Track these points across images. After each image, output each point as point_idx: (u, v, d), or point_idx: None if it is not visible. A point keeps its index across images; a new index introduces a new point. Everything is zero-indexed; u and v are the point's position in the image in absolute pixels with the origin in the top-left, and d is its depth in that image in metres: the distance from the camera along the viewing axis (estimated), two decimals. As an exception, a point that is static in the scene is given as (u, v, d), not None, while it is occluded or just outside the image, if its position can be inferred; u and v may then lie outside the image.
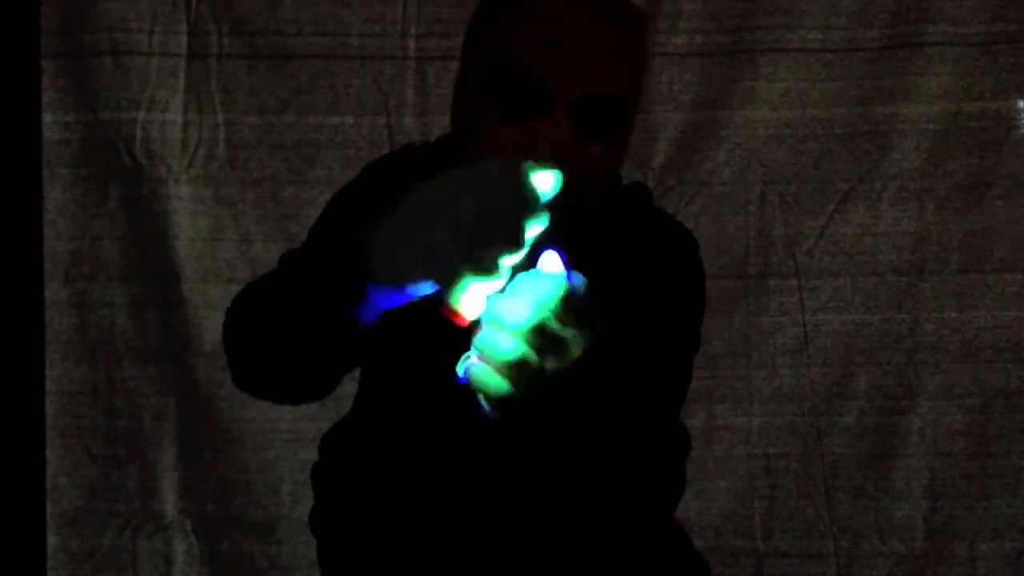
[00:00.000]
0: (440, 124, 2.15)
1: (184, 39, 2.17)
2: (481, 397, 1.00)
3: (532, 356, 0.97)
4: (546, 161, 1.14)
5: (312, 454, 1.45)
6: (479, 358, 0.99)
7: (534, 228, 0.98)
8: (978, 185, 2.20)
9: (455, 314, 1.00)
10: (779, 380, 2.22)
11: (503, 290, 0.99)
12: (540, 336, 0.97)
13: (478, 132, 1.24)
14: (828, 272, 2.22)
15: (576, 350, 0.98)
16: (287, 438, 2.19)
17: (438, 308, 1.00)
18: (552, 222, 1.02)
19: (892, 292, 2.21)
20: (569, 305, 0.97)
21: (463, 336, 1.03)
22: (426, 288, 1.01)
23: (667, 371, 1.27)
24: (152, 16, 2.16)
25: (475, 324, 1.00)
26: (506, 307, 0.97)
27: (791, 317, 2.22)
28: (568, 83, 1.20)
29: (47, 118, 2.17)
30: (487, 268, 0.97)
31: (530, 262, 1.00)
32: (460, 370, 1.00)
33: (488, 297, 0.99)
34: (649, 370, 1.21)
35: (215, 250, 2.19)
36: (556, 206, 1.10)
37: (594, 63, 1.21)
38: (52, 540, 2.21)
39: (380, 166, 1.39)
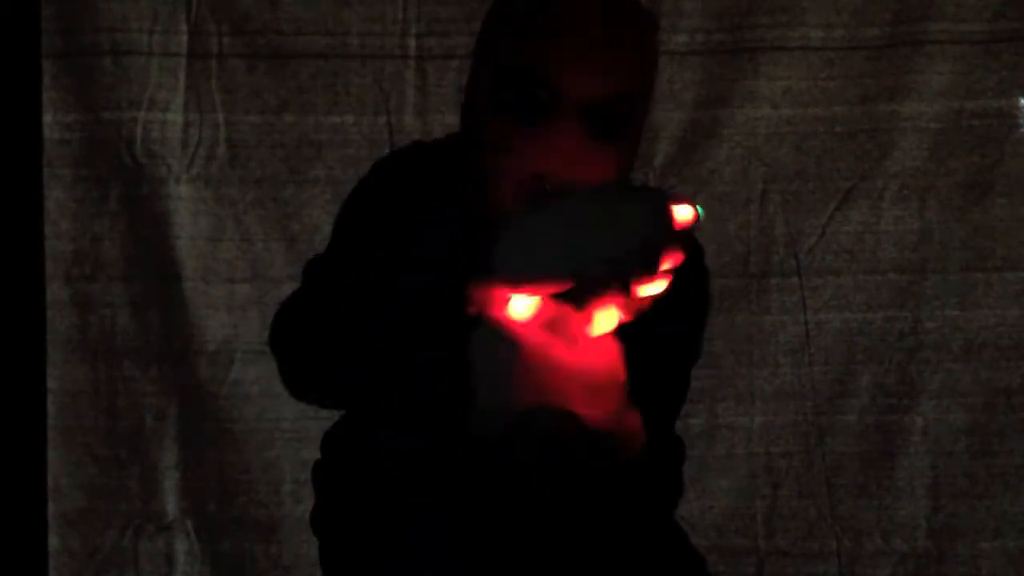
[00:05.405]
0: (441, 123, 2.15)
1: (184, 39, 2.17)
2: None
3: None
4: (560, 166, 1.16)
5: (314, 453, 1.45)
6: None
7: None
8: (980, 183, 2.20)
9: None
10: (781, 379, 2.22)
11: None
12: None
13: (488, 133, 1.24)
14: (830, 270, 2.21)
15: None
16: (288, 437, 2.19)
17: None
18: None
19: (894, 290, 2.21)
20: None
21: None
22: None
23: (667, 379, 1.27)
24: (152, 16, 2.16)
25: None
26: None
27: (793, 316, 2.21)
28: (577, 85, 1.20)
29: (48, 118, 2.17)
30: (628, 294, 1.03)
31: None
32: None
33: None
34: (650, 379, 1.21)
35: (216, 250, 2.19)
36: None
37: (604, 64, 1.21)
38: (54, 540, 2.21)
39: (392, 166, 1.39)
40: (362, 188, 1.38)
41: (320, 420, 1.47)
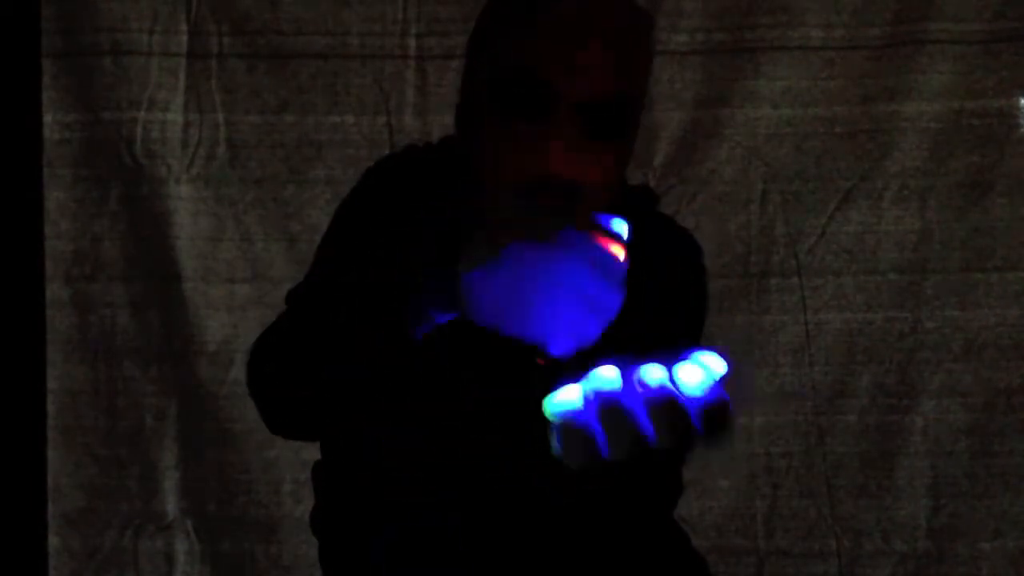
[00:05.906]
0: (440, 123, 2.15)
1: (184, 39, 2.17)
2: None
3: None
4: (553, 165, 1.16)
5: (314, 453, 1.45)
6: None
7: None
8: (980, 183, 2.20)
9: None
10: (781, 379, 2.22)
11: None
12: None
13: (483, 134, 1.24)
14: (830, 271, 2.21)
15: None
16: (288, 437, 2.19)
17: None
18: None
19: (894, 290, 2.21)
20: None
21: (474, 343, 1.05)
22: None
23: None
24: (152, 16, 2.17)
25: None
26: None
27: (793, 316, 2.21)
28: (572, 84, 1.20)
29: (48, 118, 2.17)
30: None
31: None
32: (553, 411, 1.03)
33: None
34: None
35: (216, 250, 2.19)
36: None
37: (599, 63, 1.21)
38: (54, 540, 2.21)
39: (383, 172, 1.38)
40: (356, 194, 1.38)
41: (320, 420, 1.47)
